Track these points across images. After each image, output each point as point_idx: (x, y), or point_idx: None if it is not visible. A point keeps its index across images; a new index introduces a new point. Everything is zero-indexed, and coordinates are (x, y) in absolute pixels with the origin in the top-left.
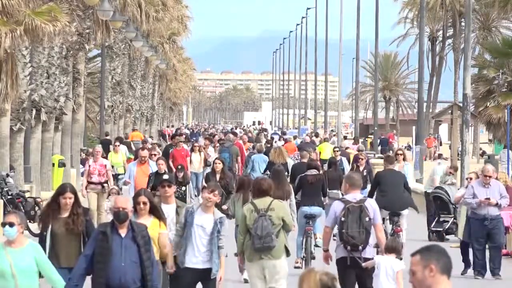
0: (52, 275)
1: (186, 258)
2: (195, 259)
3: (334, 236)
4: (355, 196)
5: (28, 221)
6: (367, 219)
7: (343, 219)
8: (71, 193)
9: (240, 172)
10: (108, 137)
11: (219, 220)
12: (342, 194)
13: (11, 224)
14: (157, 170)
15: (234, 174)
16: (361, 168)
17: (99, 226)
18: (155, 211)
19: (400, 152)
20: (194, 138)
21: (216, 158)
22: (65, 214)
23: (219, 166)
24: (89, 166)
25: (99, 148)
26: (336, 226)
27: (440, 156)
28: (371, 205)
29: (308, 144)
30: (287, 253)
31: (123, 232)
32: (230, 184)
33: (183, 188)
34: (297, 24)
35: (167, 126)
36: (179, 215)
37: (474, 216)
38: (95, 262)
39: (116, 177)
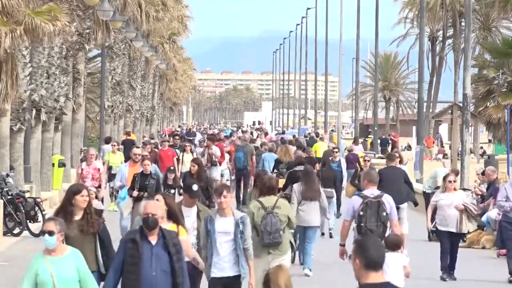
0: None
1: (212, 268)
2: (221, 268)
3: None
4: (372, 191)
5: (27, 221)
6: (384, 213)
7: (361, 213)
8: (87, 191)
9: (252, 172)
10: (130, 138)
11: (240, 220)
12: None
13: (51, 233)
14: (142, 171)
15: (249, 172)
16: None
17: (128, 233)
18: (173, 216)
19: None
20: (193, 139)
21: (191, 160)
22: (78, 216)
23: (194, 169)
24: (82, 170)
25: (93, 151)
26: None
27: (445, 156)
28: (388, 201)
29: (275, 142)
30: (292, 248)
31: (153, 239)
32: (208, 186)
33: (172, 190)
34: (297, 24)
35: (179, 126)
36: (200, 220)
37: (506, 219)
38: (125, 271)
39: (114, 177)
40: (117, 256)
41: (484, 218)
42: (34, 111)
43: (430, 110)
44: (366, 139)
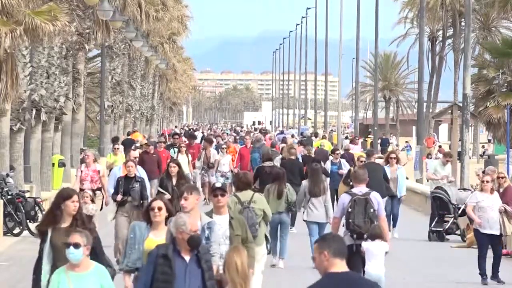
0: None
1: None
2: None
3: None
4: (360, 189)
5: (27, 221)
6: (371, 210)
7: (350, 210)
8: (77, 197)
9: None
10: (130, 137)
11: (207, 226)
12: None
13: (77, 245)
14: (126, 174)
15: None
16: None
17: (158, 248)
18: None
19: (393, 156)
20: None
21: (170, 161)
22: (67, 223)
23: (174, 170)
24: (81, 172)
25: (90, 152)
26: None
27: (428, 155)
28: (376, 198)
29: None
30: (267, 241)
31: (187, 255)
32: None
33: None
34: (297, 24)
35: (187, 126)
36: (233, 228)
37: None
38: None
39: None
40: (145, 271)
41: None
42: (34, 111)
43: (430, 110)
44: (366, 139)
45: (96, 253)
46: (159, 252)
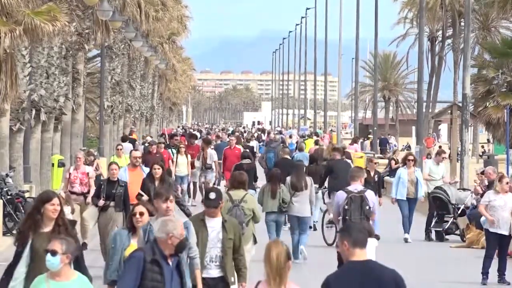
0: None
1: None
2: None
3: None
4: (356, 187)
5: None
6: (367, 207)
7: (346, 207)
8: (58, 200)
9: None
10: (132, 136)
11: (183, 226)
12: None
13: (54, 253)
14: (108, 177)
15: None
16: (371, 173)
17: (143, 253)
18: None
19: (411, 157)
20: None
21: (153, 164)
22: (48, 228)
23: (158, 172)
24: (70, 174)
25: (80, 154)
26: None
27: (428, 155)
28: (370, 196)
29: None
30: (255, 240)
31: (170, 260)
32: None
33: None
34: (297, 24)
35: (197, 124)
36: (226, 231)
37: None
38: None
39: None
40: (127, 276)
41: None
42: (33, 111)
43: (430, 110)
44: (366, 139)
45: (78, 261)
46: (146, 257)
